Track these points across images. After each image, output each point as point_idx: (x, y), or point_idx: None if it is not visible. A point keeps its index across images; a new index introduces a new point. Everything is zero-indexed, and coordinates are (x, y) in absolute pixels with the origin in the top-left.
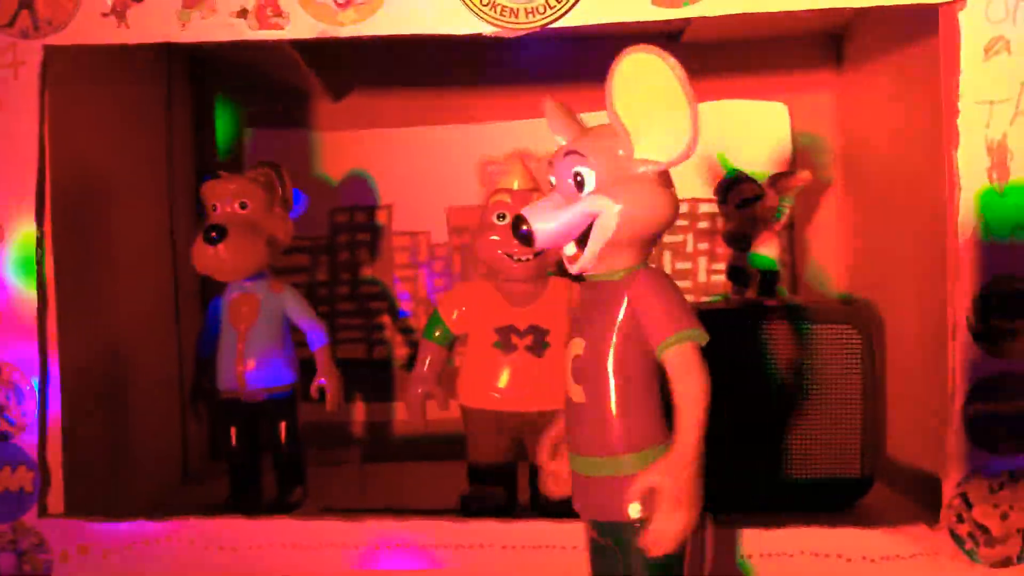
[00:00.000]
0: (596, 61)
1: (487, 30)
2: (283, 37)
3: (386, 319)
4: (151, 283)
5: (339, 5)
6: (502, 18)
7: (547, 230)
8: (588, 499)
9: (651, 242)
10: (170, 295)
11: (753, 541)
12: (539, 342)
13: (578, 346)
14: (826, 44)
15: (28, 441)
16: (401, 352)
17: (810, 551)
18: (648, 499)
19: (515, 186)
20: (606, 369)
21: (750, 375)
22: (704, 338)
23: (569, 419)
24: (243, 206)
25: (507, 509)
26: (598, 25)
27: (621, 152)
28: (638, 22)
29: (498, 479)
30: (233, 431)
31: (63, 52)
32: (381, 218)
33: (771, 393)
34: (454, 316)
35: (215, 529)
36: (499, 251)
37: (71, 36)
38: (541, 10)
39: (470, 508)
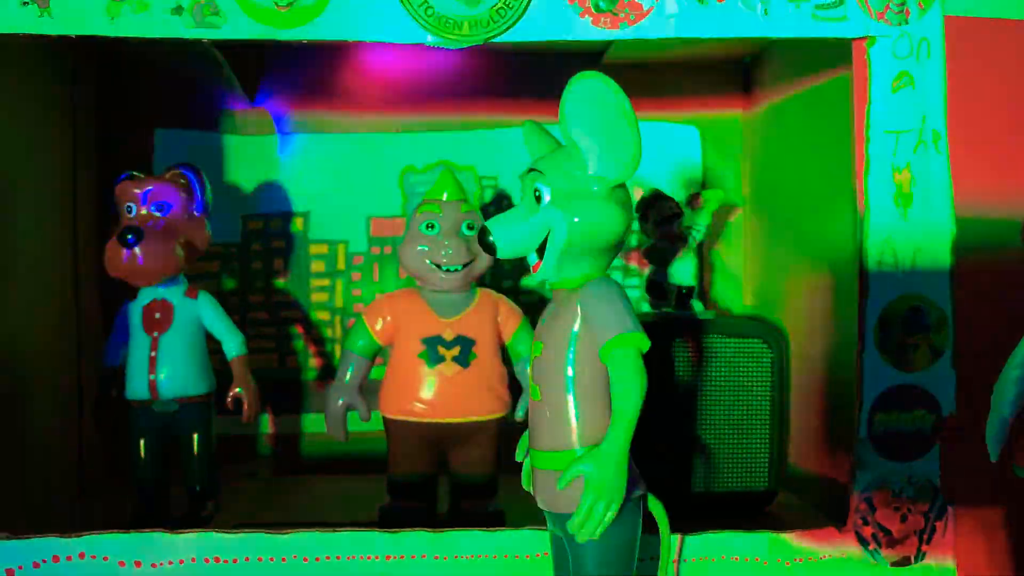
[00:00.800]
0: (518, 75)
1: (430, 41)
2: (220, 37)
3: (299, 329)
4: (49, 287)
5: (280, 8)
6: (446, 29)
7: (508, 240)
8: (543, 491)
9: (606, 253)
10: (70, 299)
11: (677, 545)
12: (466, 353)
13: (538, 348)
14: (736, 70)
15: None
16: (315, 363)
17: (730, 555)
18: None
19: (444, 197)
20: (561, 370)
21: (665, 387)
22: (646, 344)
23: (530, 416)
24: (160, 208)
25: (428, 522)
26: (527, 42)
27: (577, 171)
28: (562, 42)
29: (419, 491)
30: (142, 443)
31: None
32: (297, 226)
33: (684, 405)
34: (379, 326)
35: (132, 544)
36: (427, 261)
37: None
38: (485, 23)
39: (390, 521)
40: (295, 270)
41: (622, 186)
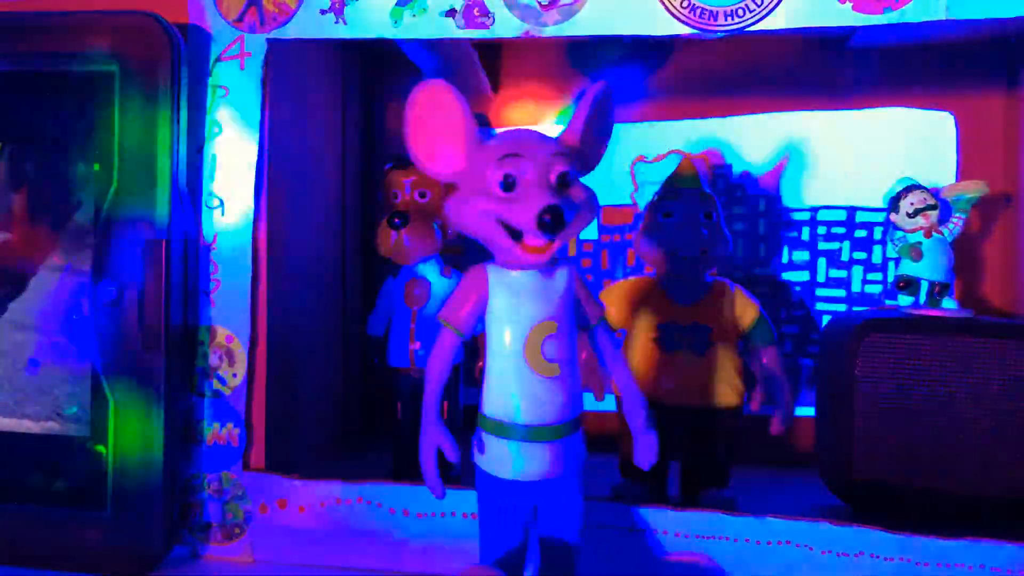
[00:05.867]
0: (753, 63)
1: (686, 32)
2: (488, 37)
3: None
4: (321, 264)
5: (543, 7)
6: (701, 20)
7: (570, 220)
8: (555, 462)
9: None
10: (338, 276)
11: (928, 551)
12: (702, 340)
13: (551, 327)
14: (998, 52)
15: (237, 400)
16: None
17: (991, 566)
18: None
19: (682, 185)
20: (575, 345)
21: (916, 388)
22: None
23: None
24: (422, 195)
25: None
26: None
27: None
28: (802, 28)
29: (650, 473)
30: (399, 406)
31: (283, 45)
32: None
33: (940, 407)
34: (615, 310)
35: (400, 494)
36: (665, 249)
37: (293, 31)
38: (740, 13)
39: (622, 499)
40: None
41: None
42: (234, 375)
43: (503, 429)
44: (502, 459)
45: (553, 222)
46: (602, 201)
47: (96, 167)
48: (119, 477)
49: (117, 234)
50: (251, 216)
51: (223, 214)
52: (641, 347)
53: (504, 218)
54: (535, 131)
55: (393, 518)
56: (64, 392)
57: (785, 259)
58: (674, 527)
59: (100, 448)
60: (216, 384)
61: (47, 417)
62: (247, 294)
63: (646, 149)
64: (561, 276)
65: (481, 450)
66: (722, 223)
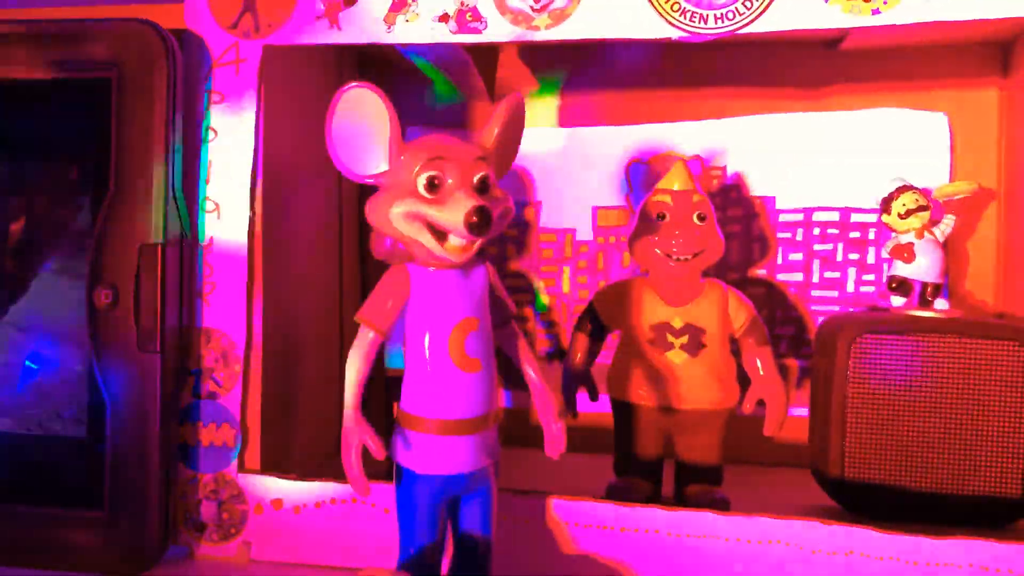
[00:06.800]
0: (746, 64)
1: (676, 35)
2: (481, 41)
3: (529, 312)
4: (321, 265)
5: (535, 10)
6: (691, 23)
7: (495, 221)
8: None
9: None
10: (335, 278)
11: (918, 550)
12: (695, 341)
13: (474, 323)
14: (991, 52)
15: (232, 401)
16: (542, 346)
17: (978, 564)
18: None
19: (675, 187)
20: (493, 341)
21: (909, 387)
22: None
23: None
24: None
25: (653, 503)
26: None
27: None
28: (795, 30)
29: (644, 472)
30: (395, 407)
31: (278, 51)
32: (529, 215)
33: (931, 407)
34: (609, 311)
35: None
36: (658, 251)
37: (287, 36)
38: (731, 16)
39: (616, 499)
40: (526, 256)
41: None
42: (230, 377)
43: (428, 425)
44: (427, 454)
45: (480, 223)
46: (596, 203)
47: (93, 172)
48: (116, 478)
49: (114, 238)
50: (246, 220)
51: (219, 218)
52: (634, 348)
53: (431, 219)
54: (455, 137)
55: (388, 518)
56: (63, 393)
57: (779, 260)
58: (667, 527)
59: (97, 449)
60: (212, 386)
61: (46, 418)
62: (242, 297)
63: (640, 151)
64: (479, 274)
65: (406, 447)
66: (715, 225)
